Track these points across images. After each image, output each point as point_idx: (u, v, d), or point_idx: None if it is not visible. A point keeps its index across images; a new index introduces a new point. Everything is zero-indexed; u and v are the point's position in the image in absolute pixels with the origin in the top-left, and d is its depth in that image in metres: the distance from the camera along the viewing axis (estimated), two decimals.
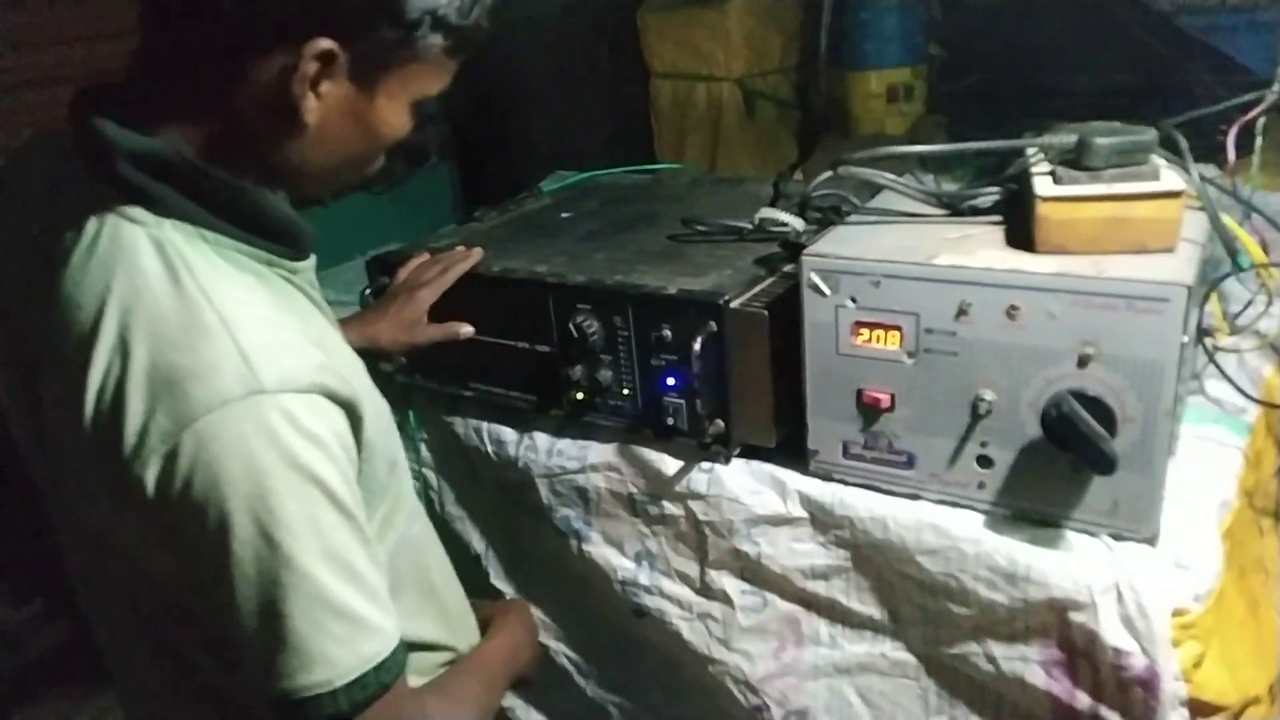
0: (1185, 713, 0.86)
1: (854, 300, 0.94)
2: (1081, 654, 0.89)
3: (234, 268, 0.73)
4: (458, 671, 0.96)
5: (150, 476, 0.65)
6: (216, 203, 0.73)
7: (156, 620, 0.79)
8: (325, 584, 0.67)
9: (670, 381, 1.09)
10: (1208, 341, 1.08)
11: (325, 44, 0.69)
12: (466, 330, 1.22)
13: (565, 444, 1.21)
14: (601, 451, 1.18)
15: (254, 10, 0.68)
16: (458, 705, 0.88)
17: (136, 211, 0.71)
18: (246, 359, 0.65)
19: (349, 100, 0.73)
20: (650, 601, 1.18)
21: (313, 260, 0.83)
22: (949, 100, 3.18)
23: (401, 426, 1.37)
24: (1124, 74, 2.77)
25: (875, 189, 1.10)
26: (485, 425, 1.28)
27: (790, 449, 1.06)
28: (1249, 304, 1.14)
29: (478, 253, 1.23)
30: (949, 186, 1.10)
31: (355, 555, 0.70)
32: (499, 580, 1.36)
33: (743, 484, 1.07)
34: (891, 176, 1.04)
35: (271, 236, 0.77)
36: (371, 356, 1.13)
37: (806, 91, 3.59)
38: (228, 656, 0.73)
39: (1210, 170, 1.09)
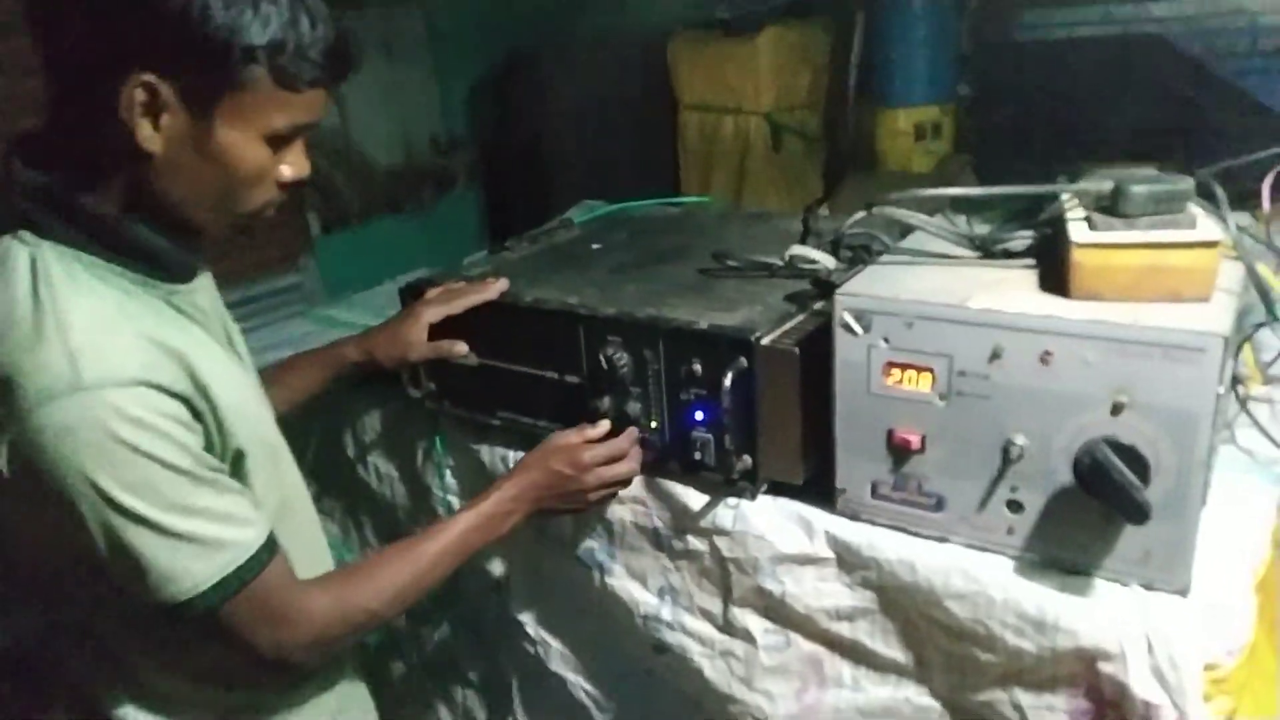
0: None
1: (886, 340, 0.94)
2: (1110, 705, 0.88)
3: (102, 284, 0.84)
4: (400, 546, 1.06)
5: (2, 459, 0.79)
6: (89, 230, 0.85)
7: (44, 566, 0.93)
8: (171, 524, 0.82)
9: (699, 416, 1.09)
10: (1240, 390, 1.08)
11: (145, 78, 0.78)
12: (461, 348, 1.24)
13: None
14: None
15: (80, 52, 0.80)
16: (363, 585, 0.99)
17: (25, 234, 0.84)
18: (73, 360, 0.78)
19: (188, 131, 0.82)
20: (672, 637, 1.17)
21: (199, 282, 0.94)
22: (977, 139, 3.19)
23: (428, 453, 1.39)
24: (1154, 116, 2.78)
25: (906, 227, 1.11)
26: (511, 453, 1.28)
27: (817, 487, 1.06)
28: None
29: (500, 285, 1.24)
30: (980, 227, 1.10)
31: (197, 498, 0.84)
32: (519, 610, 1.36)
33: (769, 521, 1.07)
34: (924, 217, 1.05)
35: (143, 260, 0.87)
36: (378, 369, 1.26)
37: (834, 127, 3.62)
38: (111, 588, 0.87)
39: (1245, 218, 1.08)
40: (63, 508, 0.80)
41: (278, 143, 0.86)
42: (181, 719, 0.97)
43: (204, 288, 0.96)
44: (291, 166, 0.90)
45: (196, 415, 0.86)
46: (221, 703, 0.99)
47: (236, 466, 0.92)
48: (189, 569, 0.84)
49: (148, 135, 0.81)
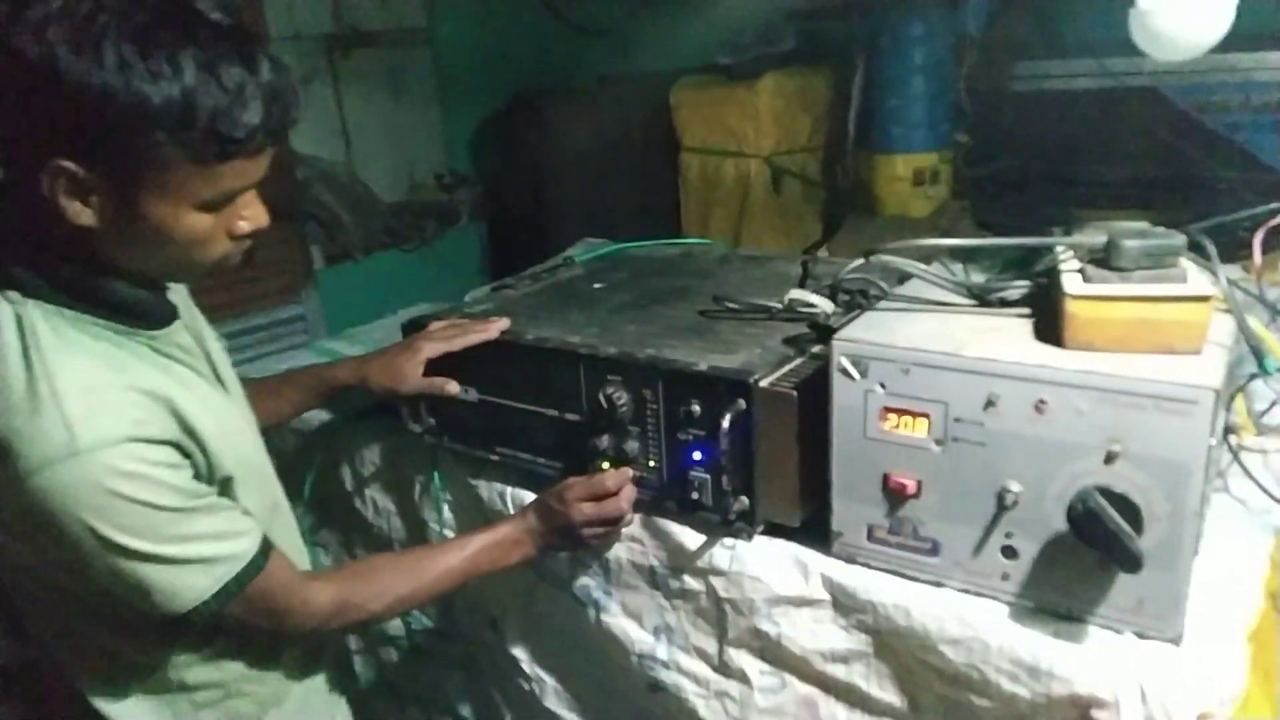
0: None
1: (883, 386, 0.96)
2: None
3: (88, 338, 0.89)
4: (409, 555, 1.15)
5: (6, 517, 0.86)
6: (72, 289, 0.89)
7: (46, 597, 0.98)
8: (171, 553, 0.88)
9: (697, 456, 1.10)
10: (1232, 440, 1.09)
11: (62, 164, 0.81)
12: (453, 388, 1.26)
13: None
14: None
15: (3, 138, 0.83)
16: (365, 587, 1.07)
17: (12, 294, 0.88)
18: (69, 427, 0.83)
19: (118, 207, 0.84)
20: (667, 676, 1.17)
21: (176, 325, 0.99)
22: (974, 186, 3.23)
23: (426, 487, 1.39)
24: (1148, 168, 2.82)
25: (903, 273, 1.13)
26: (509, 489, 1.29)
27: (814, 530, 1.07)
28: (1274, 404, 1.15)
29: (500, 324, 1.26)
30: (976, 276, 1.12)
31: (191, 526, 0.90)
32: (513, 646, 1.36)
33: (765, 562, 1.08)
34: (921, 265, 1.07)
35: (124, 313, 0.92)
36: (370, 395, 1.29)
37: (833, 171, 3.67)
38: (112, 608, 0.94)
39: (1235, 271, 1.10)
40: (64, 549, 0.86)
41: (216, 207, 0.88)
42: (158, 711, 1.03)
43: (184, 325, 1.00)
44: (245, 220, 0.91)
45: (185, 454, 0.91)
46: (194, 711, 1.04)
47: (225, 488, 0.97)
48: (192, 585, 0.91)
49: (78, 212, 0.83)
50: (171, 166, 0.82)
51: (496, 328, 1.25)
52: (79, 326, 0.89)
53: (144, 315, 0.94)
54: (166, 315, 0.97)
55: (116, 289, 0.91)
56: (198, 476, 0.93)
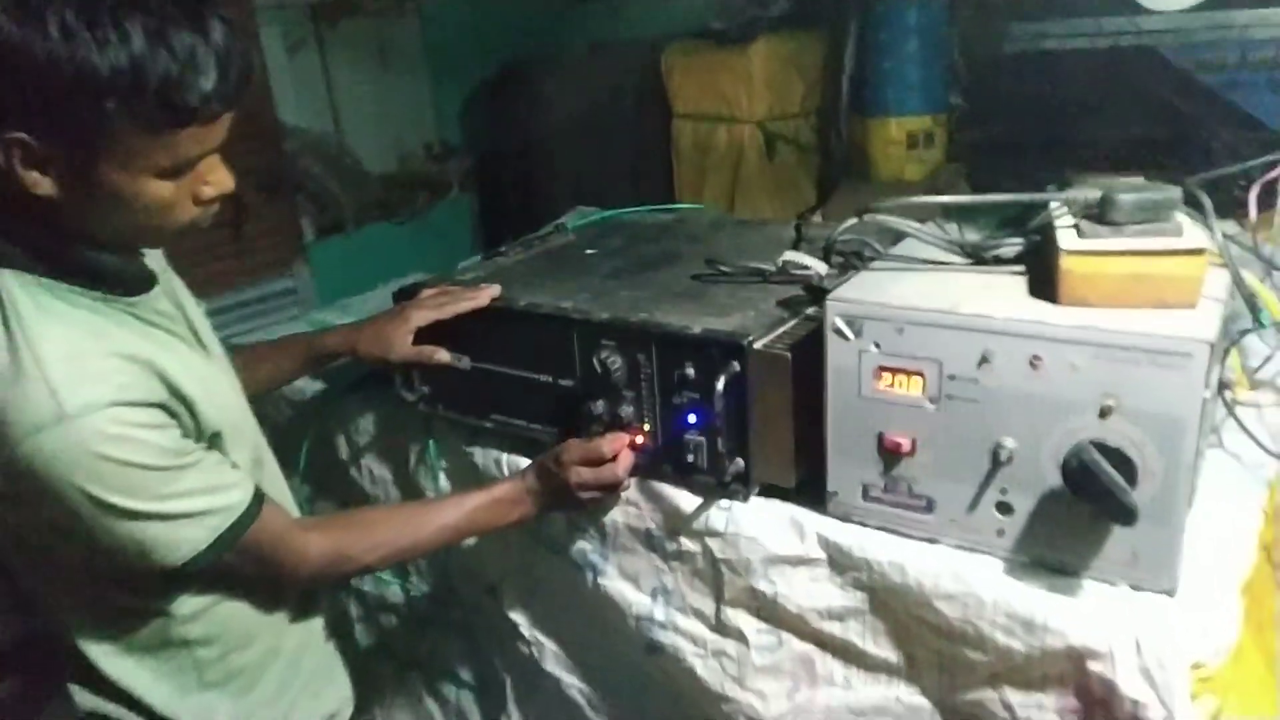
0: None
1: (877, 345, 0.95)
2: (1098, 704, 0.89)
3: (67, 306, 0.89)
4: (407, 508, 1.18)
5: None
6: (47, 258, 0.89)
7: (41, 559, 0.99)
8: (163, 510, 0.89)
9: (691, 419, 1.10)
10: (1227, 395, 1.09)
11: (16, 135, 0.80)
12: (443, 356, 1.26)
13: None
14: None
15: None
16: (361, 538, 1.07)
17: None
18: (54, 394, 0.83)
19: (75, 177, 0.83)
20: (664, 637, 1.18)
21: (155, 291, 0.98)
22: (969, 149, 3.21)
23: (421, 456, 1.39)
24: (1144, 128, 2.80)
25: (897, 235, 1.12)
26: (505, 456, 1.29)
27: (809, 490, 1.07)
28: (1268, 359, 1.15)
29: (490, 292, 1.25)
30: (971, 235, 1.11)
31: (182, 482, 0.90)
32: (511, 611, 1.36)
33: (761, 523, 1.08)
34: (915, 224, 1.06)
35: (101, 280, 0.91)
36: (361, 363, 1.30)
37: (827, 136, 3.64)
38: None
39: (1231, 227, 1.10)
40: (60, 513, 0.87)
41: (176, 174, 0.86)
42: (158, 681, 1.03)
43: (163, 291, 1.00)
44: (209, 185, 0.90)
45: (172, 414, 0.91)
46: (195, 668, 1.04)
47: (214, 443, 0.98)
48: (187, 537, 0.92)
49: (37, 182, 0.83)
50: (125, 136, 0.81)
51: (487, 294, 1.24)
52: (57, 295, 0.89)
53: (121, 282, 0.93)
54: (144, 281, 0.97)
55: (90, 256, 0.90)
56: (186, 435, 0.93)
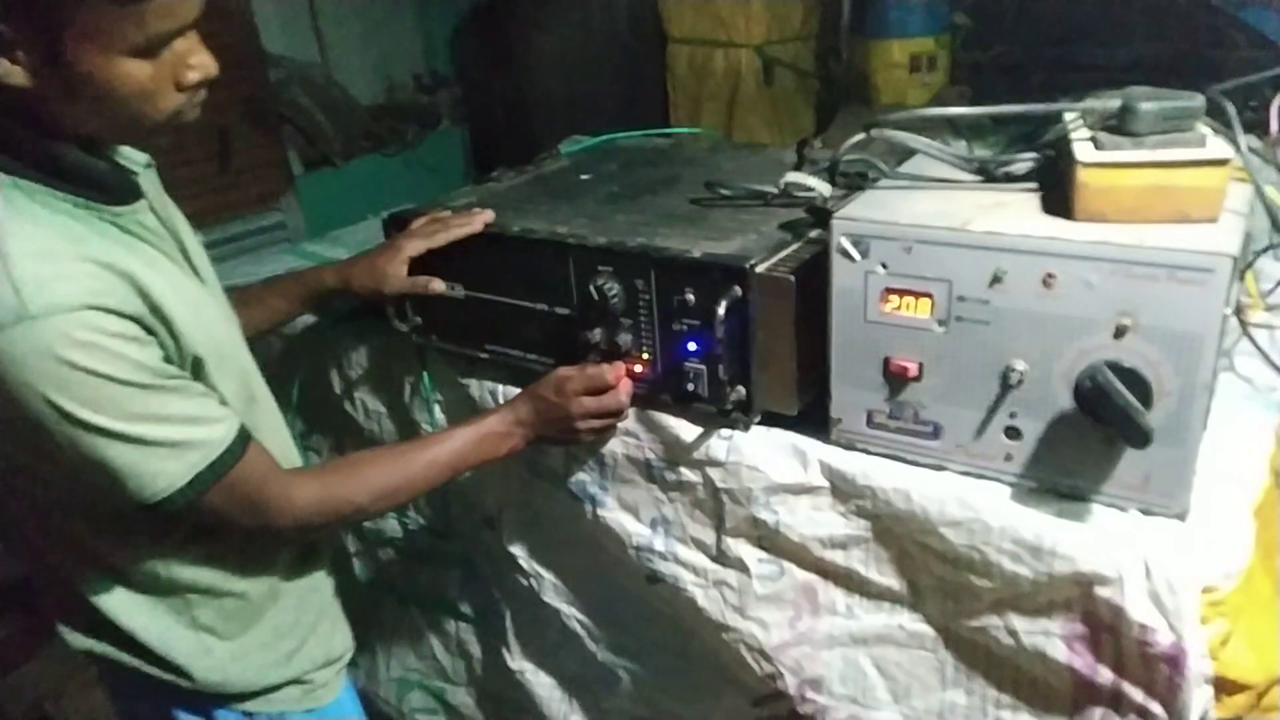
0: (1210, 690, 0.85)
1: (884, 266, 0.92)
2: (1105, 629, 0.88)
3: (45, 210, 0.85)
4: (394, 449, 1.12)
5: None
6: (25, 156, 0.84)
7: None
8: (137, 432, 0.85)
9: (691, 347, 1.07)
10: (1240, 317, 1.06)
11: None
12: (438, 285, 1.23)
13: None
14: None
15: None
16: (350, 480, 1.04)
17: None
18: (17, 291, 0.79)
19: (45, 61, 0.78)
20: (665, 568, 1.17)
21: (142, 205, 0.94)
22: (973, 71, 3.13)
23: (416, 388, 1.37)
24: (1152, 48, 2.73)
25: (902, 157, 1.08)
26: (501, 388, 1.27)
27: (812, 417, 1.04)
28: None
29: (484, 217, 1.21)
30: (981, 153, 1.07)
31: (160, 405, 0.86)
32: (510, 543, 1.35)
33: (762, 452, 1.06)
34: (925, 140, 1.02)
35: (82, 184, 0.87)
36: (355, 298, 1.25)
37: (826, 60, 3.54)
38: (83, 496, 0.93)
39: (1252, 141, 1.06)
40: (28, 426, 0.82)
41: (151, 53, 0.82)
42: (153, 620, 1.01)
43: (153, 207, 0.96)
44: (192, 69, 0.85)
45: (150, 331, 0.87)
46: (188, 608, 1.03)
47: (197, 371, 0.93)
48: (163, 469, 0.88)
49: (8, 71, 0.78)
50: (88, 8, 0.77)
51: (480, 219, 1.20)
52: (35, 198, 0.84)
53: (104, 188, 0.89)
54: (128, 191, 0.92)
55: (69, 155, 0.85)
56: (167, 359, 0.89)
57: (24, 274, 0.79)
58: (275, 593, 1.08)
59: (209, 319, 0.97)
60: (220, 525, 0.97)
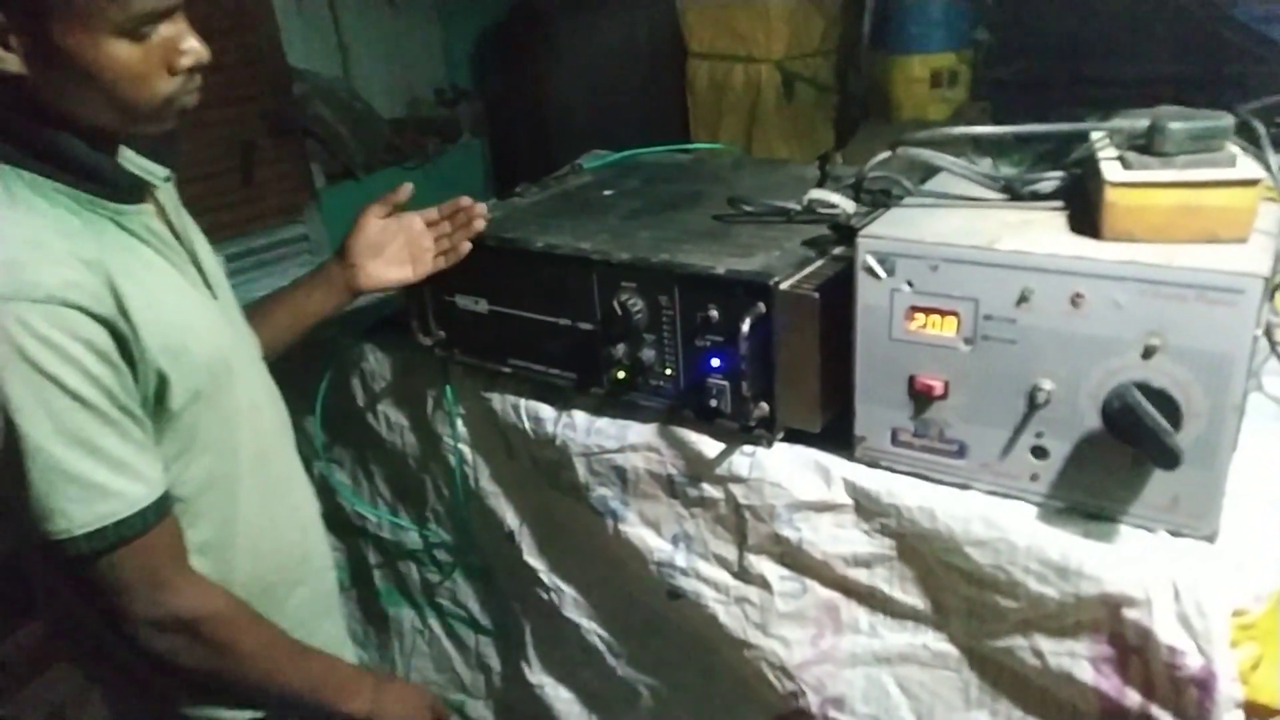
0: (1240, 715, 0.84)
1: (910, 284, 0.92)
2: (1134, 651, 0.87)
3: (43, 201, 0.85)
4: (271, 626, 1.01)
5: None
6: (27, 144, 0.85)
7: None
8: (58, 456, 0.81)
9: (715, 363, 1.07)
10: (1270, 338, 1.05)
11: None
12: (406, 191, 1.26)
13: (604, 423, 1.19)
14: (641, 431, 1.16)
15: None
16: (247, 620, 0.97)
17: None
18: None
19: (36, 45, 0.80)
20: (686, 584, 1.17)
21: (147, 208, 0.94)
22: (994, 87, 3.12)
23: (439, 402, 1.37)
24: (1176, 64, 2.71)
25: (926, 174, 1.08)
26: (523, 402, 1.27)
27: (835, 434, 1.04)
28: None
29: (480, 208, 1.23)
30: (1006, 171, 1.07)
31: (95, 434, 0.83)
32: (531, 557, 1.36)
33: (785, 468, 1.06)
34: (950, 158, 1.02)
35: (85, 178, 0.87)
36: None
37: (846, 75, 3.55)
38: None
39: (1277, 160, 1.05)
40: None
41: (139, 35, 0.83)
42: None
43: (169, 218, 0.97)
44: (183, 54, 0.86)
45: (119, 339, 0.84)
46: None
47: (160, 391, 0.89)
48: (64, 510, 0.83)
49: (3, 58, 0.80)
50: None
51: (477, 210, 1.22)
52: (36, 189, 0.85)
53: (104, 180, 0.89)
54: (132, 190, 0.92)
55: (68, 144, 0.86)
56: (135, 376, 0.86)
57: (5, 256, 0.80)
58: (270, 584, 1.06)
59: (206, 331, 0.96)
60: (108, 593, 0.88)
